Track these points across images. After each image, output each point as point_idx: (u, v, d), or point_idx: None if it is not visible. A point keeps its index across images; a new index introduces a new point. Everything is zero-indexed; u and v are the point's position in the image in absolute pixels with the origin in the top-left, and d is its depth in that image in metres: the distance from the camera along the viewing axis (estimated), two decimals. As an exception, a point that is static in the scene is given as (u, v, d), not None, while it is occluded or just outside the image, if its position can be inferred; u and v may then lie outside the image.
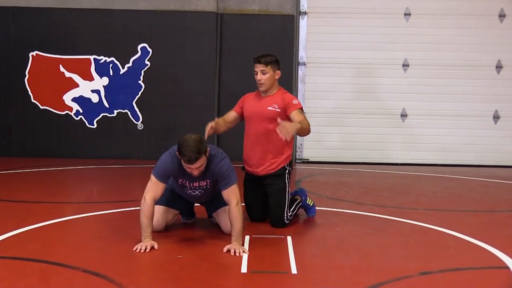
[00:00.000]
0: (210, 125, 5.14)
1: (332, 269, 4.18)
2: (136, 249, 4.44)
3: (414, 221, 5.65)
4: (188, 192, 4.88)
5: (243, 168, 5.54)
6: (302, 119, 5.18)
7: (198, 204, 5.27)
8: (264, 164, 5.34)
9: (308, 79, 10.14)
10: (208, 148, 4.57)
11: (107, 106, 9.98)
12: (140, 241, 4.52)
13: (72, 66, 9.92)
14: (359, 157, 10.16)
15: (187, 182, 4.79)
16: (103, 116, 10.00)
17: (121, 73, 9.94)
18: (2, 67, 9.94)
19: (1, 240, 4.68)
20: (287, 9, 10.01)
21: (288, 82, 9.51)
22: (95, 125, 10.01)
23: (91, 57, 9.92)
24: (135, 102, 9.98)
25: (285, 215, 5.31)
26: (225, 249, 4.44)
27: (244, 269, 4.09)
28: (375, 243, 4.87)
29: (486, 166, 10.08)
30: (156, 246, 4.49)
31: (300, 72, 10.11)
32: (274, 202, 5.34)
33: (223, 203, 4.84)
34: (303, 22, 10.06)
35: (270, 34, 9.90)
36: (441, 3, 10.07)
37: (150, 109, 9.98)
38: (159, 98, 9.95)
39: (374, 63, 10.10)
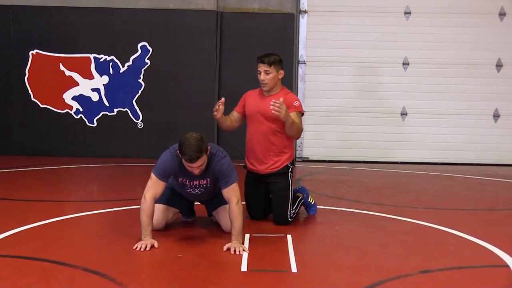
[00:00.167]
0: (218, 105, 5.12)
1: (332, 268, 4.19)
2: (136, 248, 4.44)
3: (414, 219, 5.66)
4: (188, 190, 4.88)
5: (244, 166, 5.54)
6: (298, 121, 5.23)
7: (198, 203, 5.27)
8: (268, 163, 5.35)
9: (308, 78, 10.13)
10: (208, 147, 4.57)
11: (107, 104, 9.98)
12: (140, 239, 4.53)
13: (72, 65, 9.91)
14: (358, 155, 10.16)
15: (187, 181, 4.79)
16: (103, 114, 10.00)
17: (121, 71, 9.94)
18: (2, 66, 9.93)
19: (2, 238, 4.68)
20: (287, 7, 10.00)
21: (288, 81, 9.50)
22: (95, 124, 10.01)
23: (91, 56, 9.92)
24: (135, 101, 9.97)
25: (289, 214, 5.33)
26: (225, 248, 4.45)
27: (244, 267, 4.09)
28: (374, 242, 4.87)
29: (486, 164, 10.07)
30: (156, 245, 4.49)
31: (300, 71, 10.11)
32: (277, 200, 5.35)
33: (223, 201, 4.85)
34: (303, 21, 10.06)
35: (270, 33, 9.89)
36: (441, 1, 10.06)
37: (150, 107, 9.97)
38: (159, 96, 9.94)
39: (374, 61, 10.09)
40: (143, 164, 9.06)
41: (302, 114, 5.39)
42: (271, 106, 4.98)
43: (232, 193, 4.61)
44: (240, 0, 9.97)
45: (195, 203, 5.30)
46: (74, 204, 6.34)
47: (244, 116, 5.50)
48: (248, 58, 9.75)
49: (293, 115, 5.24)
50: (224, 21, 9.93)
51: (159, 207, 4.89)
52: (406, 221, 5.63)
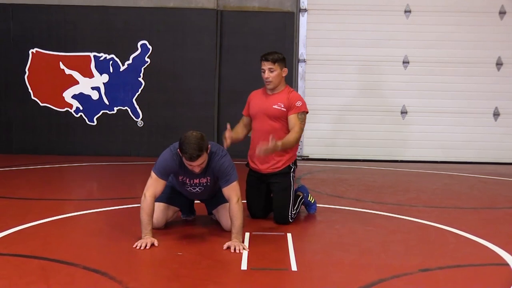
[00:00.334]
0: (225, 134, 5.17)
1: (332, 266, 4.19)
2: (136, 246, 4.44)
3: (414, 218, 5.66)
4: (188, 189, 4.88)
5: (247, 164, 5.53)
6: (296, 126, 5.22)
7: (198, 201, 5.27)
8: (270, 162, 5.34)
9: (308, 76, 10.13)
10: (209, 145, 4.57)
11: (107, 103, 9.98)
12: (140, 238, 4.53)
13: (72, 63, 9.92)
14: (359, 154, 10.16)
15: (188, 179, 4.79)
16: (103, 113, 10.00)
17: (121, 70, 9.93)
18: (2, 64, 9.94)
19: (2, 237, 4.68)
20: (287, 6, 10.00)
21: (288, 79, 9.44)
22: (95, 122, 10.01)
23: (91, 54, 9.92)
24: (135, 99, 9.97)
25: (289, 214, 5.32)
26: (225, 246, 4.45)
27: (244, 266, 4.09)
28: (375, 240, 4.87)
29: (486, 163, 10.08)
30: (156, 243, 4.49)
31: (300, 69, 10.11)
32: (279, 201, 5.33)
33: (223, 200, 4.84)
34: (303, 19, 10.06)
35: (270, 31, 9.89)
36: (441, 0, 10.06)
37: (150, 106, 9.98)
38: (159, 95, 9.95)
39: (374, 60, 10.09)
40: (143, 162, 9.06)
41: (307, 112, 5.37)
42: (257, 153, 5.07)
43: (232, 191, 4.61)
44: (240, -1, 9.98)
45: (195, 201, 5.30)
46: (74, 203, 6.34)
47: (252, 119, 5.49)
48: (248, 56, 9.78)
49: (292, 117, 5.23)
50: (224, 19, 9.92)
51: (159, 206, 4.89)
52: (406, 219, 5.63)
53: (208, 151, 4.56)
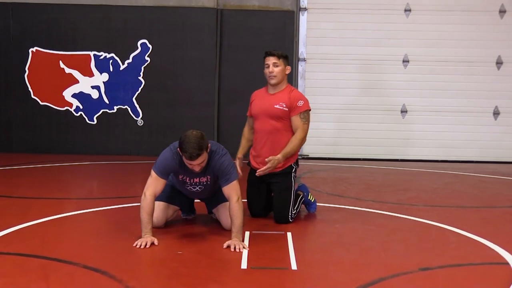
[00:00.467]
0: (237, 163, 5.30)
1: (332, 265, 4.18)
2: (136, 245, 4.44)
3: (414, 217, 5.65)
4: (188, 188, 4.88)
5: (248, 163, 5.52)
6: (299, 128, 5.22)
7: (198, 200, 5.27)
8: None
9: (308, 75, 10.13)
10: (209, 144, 4.56)
11: (107, 102, 9.98)
12: (140, 237, 4.52)
13: (72, 62, 9.91)
14: (359, 153, 10.16)
15: (188, 178, 4.78)
16: (103, 112, 10.00)
17: (121, 69, 9.93)
18: (2, 63, 9.94)
19: (2, 236, 4.68)
20: (287, 5, 10.00)
21: (289, 78, 9.34)
22: (95, 121, 10.01)
23: (91, 53, 9.92)
24: (135, 98, 9.97)
25: (290, 214, 5.31)
26: (225, 245, 4.44)
27: (244, 265, 4.09)
28: (375, 239, 4.87)
29: (486, 162, 10.08)
30: (156, 242, 4.49)
31: (300, 68, 10.10)
32: (279, 201, 5.32)
33: (223, 199, 4.84)
34: (303, 18, 10.05)
35: (270, 30, 9.89)
36: (441, -1, 10.07)
37: (150, 105, 9.97)
38: (159, 94, 9.95)
39: (374, 59, 10.09)
40: (143, 161, 9.06)
41: (309, 110, 5.36)
42: (258, 173, 5.19)
43: (233, 190, 4.61)
44: (240, -2, 9.98)
45: (195, 200, 5.29)
46: (74, 202, 6.34)
47: None
48: (248, 55, 9.78)
49: (295, 119, 5.22)
50: (224, 18, 9.92)
51: (159, 205, 4.89)
52: (406, 218, 5.62)
53: (208, 150, 4.55)
